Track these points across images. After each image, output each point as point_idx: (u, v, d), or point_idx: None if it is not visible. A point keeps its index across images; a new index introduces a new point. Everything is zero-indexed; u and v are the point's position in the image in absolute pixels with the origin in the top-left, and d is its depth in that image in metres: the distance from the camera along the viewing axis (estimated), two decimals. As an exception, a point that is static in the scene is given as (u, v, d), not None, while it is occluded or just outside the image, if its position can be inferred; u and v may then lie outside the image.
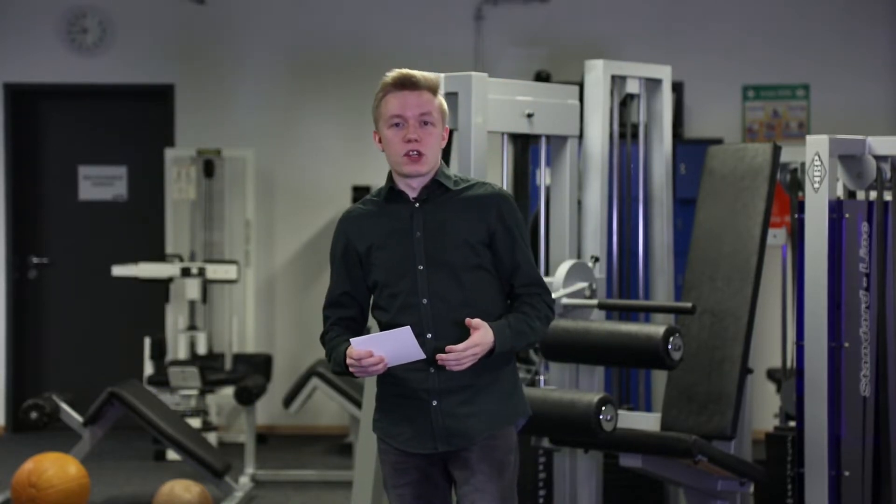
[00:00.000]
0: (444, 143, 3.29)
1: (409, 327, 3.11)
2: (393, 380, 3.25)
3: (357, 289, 3.31)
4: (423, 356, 3.14)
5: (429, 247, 3.23)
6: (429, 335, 3.20)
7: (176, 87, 8.61)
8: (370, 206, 3.33)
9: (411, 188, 3.27)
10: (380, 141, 3.28)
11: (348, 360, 3.15)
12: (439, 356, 3.14)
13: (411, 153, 3.21)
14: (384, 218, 3.28)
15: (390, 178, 3.30)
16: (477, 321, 3.16)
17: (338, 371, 3.26)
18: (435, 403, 3.23)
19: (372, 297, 3.32)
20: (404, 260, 3.23)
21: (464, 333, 3.16)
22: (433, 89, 3.26)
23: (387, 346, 3.12)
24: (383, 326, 3.25)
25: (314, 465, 7.48)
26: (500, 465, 3.26)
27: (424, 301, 3.21)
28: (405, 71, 3.26)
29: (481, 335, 3.15)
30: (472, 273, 3.22)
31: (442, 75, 4.37)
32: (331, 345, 3.30)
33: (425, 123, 3.22)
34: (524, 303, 3.28)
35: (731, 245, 4.78)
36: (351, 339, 3.15)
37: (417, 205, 3.27)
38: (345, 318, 3.33)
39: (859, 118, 8.08)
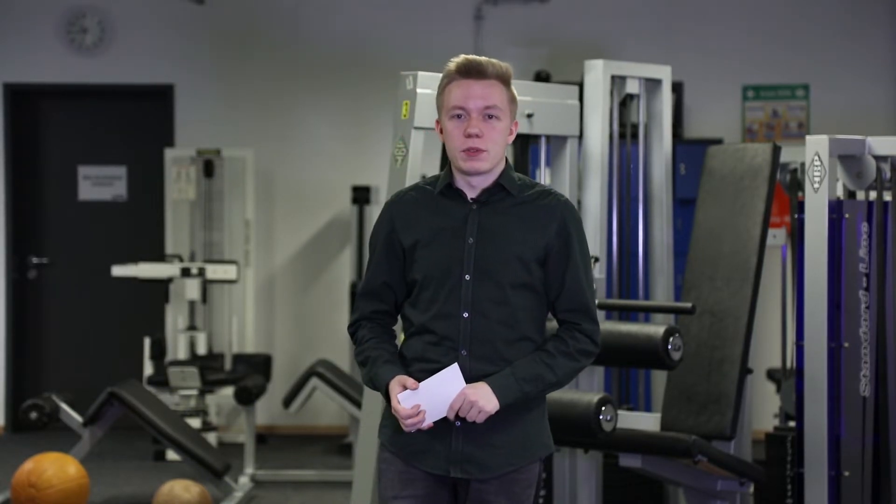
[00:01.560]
0: (511, 138, 3.03)
1: (456, 364, 2.92)
2: None
3: (397, 280, 3.06)
4: (464, 386, 2.93)
5: (479, 255, 2.97)
6: (464, 352, 2.96)
7: (176, 87, 8.61)
8: (422, 196, 3.06)
9: (471, 187, 3.01)
10: (441, 131, 3.03)
11: (393, 411, 2.95)
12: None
13: (471, 149, 2.95)
14: (436, 213, 3.02)
15: (449, 171, 3.04)
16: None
17: (371, 388, 3.08)
18: (458, 424, 2.97)
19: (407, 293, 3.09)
20: (451, 265, 2.98)
21: (499, 354, 2.96)
22: (503, 78, 3.00)
23: (432, 390, 2.92)
24: (414, 326, 3.03)
25: (314, 465, 7.48)
26: (518, 501, 3.01)
27: (465, 314, 2.96)
28: (472, 57, 2.99)
29: (466, 395, 2.91)
30: (519, 291, 2.98)
31: (441, 75, 4.37)
32: (369, 353, 3.06)
33: (490, 117, 2.96)
34: (555, 336, 3.03)
35: (730, 245, 4.78)
36: (399, 395, 2.92)
37: (475, 207, 3.01)
38: (378, 313, 3.09)
39: (859, 118, 8.08)
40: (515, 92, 3.03)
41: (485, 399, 2.91)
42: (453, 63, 2.99)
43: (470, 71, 2.97)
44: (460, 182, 3.02)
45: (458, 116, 2.97)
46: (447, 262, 2.98)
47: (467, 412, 2.91)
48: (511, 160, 6.23)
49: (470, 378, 2.94)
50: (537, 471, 3.06)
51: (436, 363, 2.96)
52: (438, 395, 2.92)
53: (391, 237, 3.05)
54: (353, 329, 3.13)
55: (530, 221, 2.99)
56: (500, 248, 2.97)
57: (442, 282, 2.98)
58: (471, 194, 3.01)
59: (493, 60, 2.99)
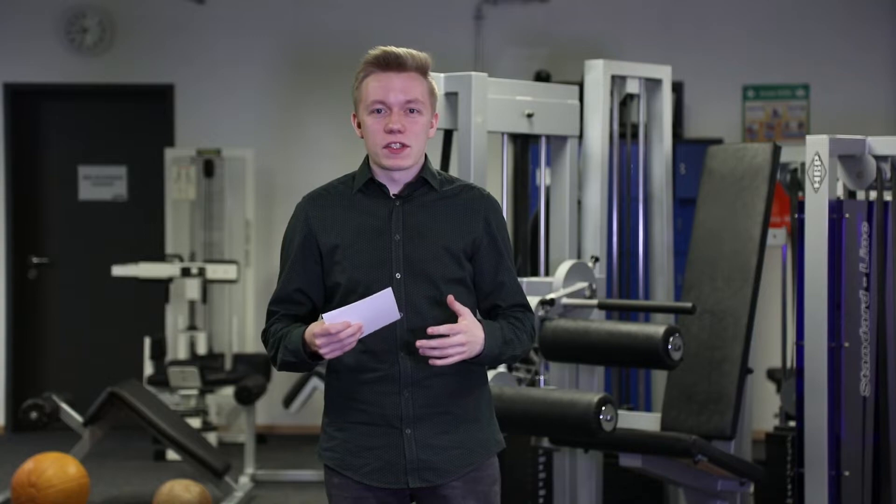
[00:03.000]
0: (433, 131, 2.90)
1: (390, 289, 2.72)
2: (357, 404, 2.85)
3: (312, 286, 2.89)
4: (400, 316, 2.75)
5: (408, 252, 2.83)
6: (402, 353, 2.82)
7: (176, 87, 8.61)
8: (339, 195, 2.91)
9: (393, 182, 2.86)
10: (359, 126, 2.87)
11: (319, 340, 2.71)
12: (419, 342, 2.73)
13: (393, 145, 2.81)
14: (357, 212, 2.87)
15: (367, 166, 2.90)
16: (461, 306, 2.77)
17: (289, 362, 2.83)
18: (409, 432, 2.83)
19: (326, 298, 2.91)
20: (378, 265, 2.82)
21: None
22: (422, 70, 2.84)
23: (364, 315, 2.71)
24: None
25: (314, 465, 7.47)
26: (486, 499, 2.90)
27: (400, 315, 2.79)
28: (390, 49, 2.83)
29: (469, 325, 2.76)
30: (453, 287, 2.83)
31: (442, 75, 4.37)
32: (279, 335, 2.87)
33: (411, 111, 2.82)
34: (510, 316, 2.91)
35: (731, 245, 4.78)
36: (323, 315, 2.71)
37: (398, 203, 2.87)
38: (294, 316, 2.90)
39: (859, 118, 8.08)
40: (434, 84, 2.89)
41: (471, 346, 2.77)
42: (370, 55, 2.84)
43: (389, 63, 2.81)
44: (381, 177, 2.87)
45: (378, 111, 2.82)
46: (374, 263, 2.83)
47: (450, 346, 2.73)
48: (511, 160, 6.26)
49: (412, 381, 2.82)
50: (497, 467, 2.95)
51: (375, 371, 2.83)
52: (370, 318, 2.72)
53: (308, 240, 2.89)
54: (265, 336, 2.94)
55: (455, 216, 2.87)
56: (429, 242, 2.84)
57: (370, 283, 2.80)
58: (393, 189, 2.87)
59: (412, 51, 2.84)
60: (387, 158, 2.82)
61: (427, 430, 2.84)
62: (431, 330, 2.75)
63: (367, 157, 2.91)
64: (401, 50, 2.83)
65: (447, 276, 2.84)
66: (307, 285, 2.89)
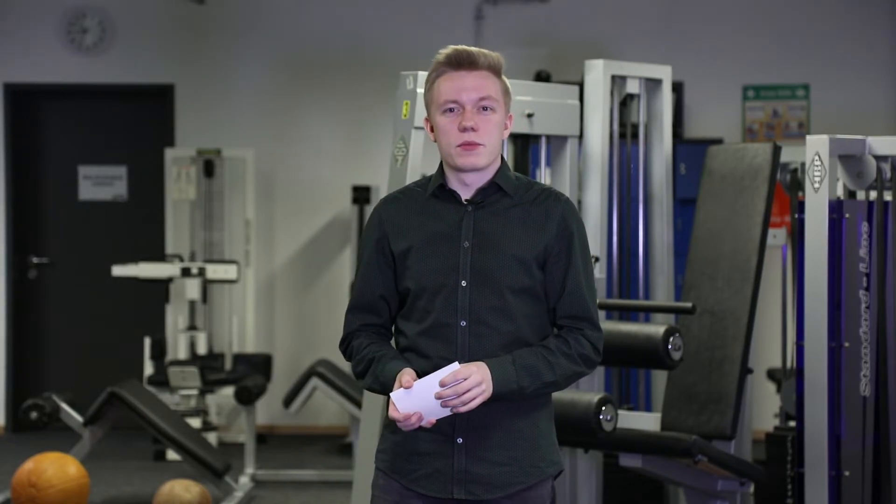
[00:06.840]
0: (507, 132, 2.88)
1: (457, 363, 2.69)
2: None
3: (390, 292, 2.85)
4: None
5: (476, 260, 2.77)
6: (462, 361, 2.73)
7: (176, 87, 8.61)
8: (413, 199, 2.86)
9: (465, 186, 2.81)
10: (432, 129, 2.83)
11: (391, 414, 2.71)
12: (441, 391, 2.68)
13: (466, 144, 2.76)
14: (428, 217, 2.82)
15: (441, 171, 2.84)
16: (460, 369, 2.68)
17: (376, 390, 2.81)
18: (460, 441, 2.77)
19: (399, 303, 2.87)
20: (445, 272, 2.77)
21: None
22: (495, 69, 2.81)
23: (431, 389, 2.69)
24: (407, 340, 2.82)
25: (314, 465, 7.48)
26: None
27: (463, 324, 2.76)
28: (461, 47, 2.79)
29: (471, 367, 2.69)
30: (520, 297, 2.77)
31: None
32: (368, 355, 2.83)
33: (484, 109, 2.77)
34: (557, 336, 2.82)
35: (731, 245, 4.78)
36: (392, 395, 2.69)
37: (469, 208, 2.81)
38: (371, 325, 2.87)
39: (859, 118, 8.08)
40: (508, 83, 2.86)
41: (487, 385, 2.69)
42: (442, 55, 2.80)
43: (461, 62, 2.78)
44: (453, 182, 2.82)
45: (451, 110, 2.78)
46: (442, 269, 2.77)
47: (459, 397, 2.67)
48: (511, 160, 6.27)
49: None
50: (549, 488, 2.86)
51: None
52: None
53: (381, 244, 2.84)
54: (345, 345, 2.90)
55: (529, 222, 2.79)
56: (498, 251, 2.77)
57: (437, 290, 2.77)
58: (465, 195, 2.82)
59: (484, 50, 2.80)
60: (461, 157, 2.78)
61: (479, 442, 2.77)
62: (442, 381, 2.68)
63: (441, 164, 2.85)
64: (472, 48, 2.79)
65: (514, 286, 2.77)
66: (385, 291, 2.85)
